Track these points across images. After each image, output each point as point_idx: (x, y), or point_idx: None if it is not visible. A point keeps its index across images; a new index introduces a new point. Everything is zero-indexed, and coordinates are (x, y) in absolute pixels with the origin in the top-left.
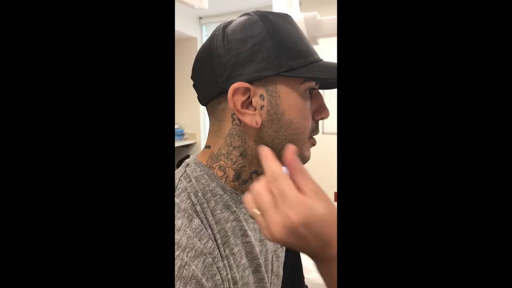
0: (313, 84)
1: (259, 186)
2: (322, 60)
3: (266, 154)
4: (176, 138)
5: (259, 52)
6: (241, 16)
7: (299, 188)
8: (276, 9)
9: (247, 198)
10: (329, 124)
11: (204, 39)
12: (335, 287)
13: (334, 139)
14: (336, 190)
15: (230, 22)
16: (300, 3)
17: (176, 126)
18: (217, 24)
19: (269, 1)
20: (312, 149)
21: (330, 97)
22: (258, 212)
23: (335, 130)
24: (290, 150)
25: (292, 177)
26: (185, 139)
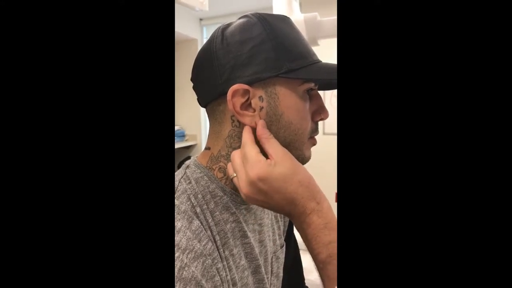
0: (312, 85)
1: (234, 152)
2: (321, 61)
3: (245, 127)
4: (177, 139)
5: (258, 54)
6: (240, 18)
7: (268, 154)
8: (276, 10)
9: (229, 164)
10: (330, 125)
11: (205, 40)
12: (307, 243)
13: (335, 140)
14: (336, 191)
15: (229, 25)
16: (300, 4)
17: (177, 128)
18: (217, 26)
19: (269, 2)
20: (313, 150)
21: (330, 97)
22: (234, 175)
23: (336, 131)
24: (260, 124)
25: (262, 146)
26: (186, 140)
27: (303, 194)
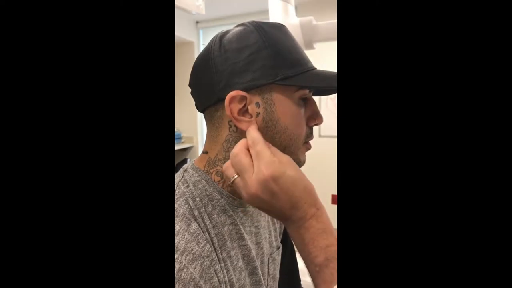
0: (307, 92)
1: (238, 150)
2: (315, 68)
3: (251, 126)
4: None
5: (255, 61)
6: (237, 26)
7: None
8: (272, 13)
9: (226, 165)
10: (326, 127)
11: (201, 43)
12: (303, 247)
13: (331, 142)
14: (333, 192)
15: (226, 32)
16: (296, 8)
17: None
18: (214, 29)
19: (265, 6)
20: (309, 152)
21: (326, 100)
22: (236, 176)
23: (332, 133)
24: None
25: None
26: (182, 142)
27: (307, 200)
